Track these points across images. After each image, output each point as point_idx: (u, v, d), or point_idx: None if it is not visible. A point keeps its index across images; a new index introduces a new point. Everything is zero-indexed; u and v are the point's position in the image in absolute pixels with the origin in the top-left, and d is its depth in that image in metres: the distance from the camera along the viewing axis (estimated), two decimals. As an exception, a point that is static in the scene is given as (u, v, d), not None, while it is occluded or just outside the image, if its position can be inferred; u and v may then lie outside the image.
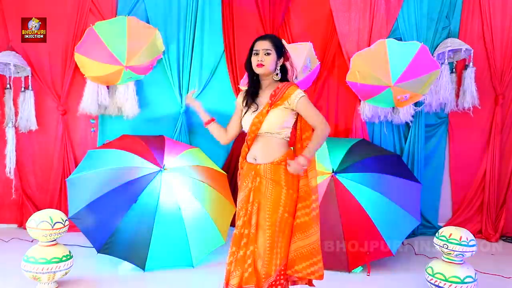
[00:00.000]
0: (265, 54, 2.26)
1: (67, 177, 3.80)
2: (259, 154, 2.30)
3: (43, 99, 4.45)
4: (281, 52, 2.32)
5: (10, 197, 4.43)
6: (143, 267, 3.32)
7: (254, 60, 2.28)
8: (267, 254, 2.22)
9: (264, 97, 2.33)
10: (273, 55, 2.28)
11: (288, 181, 2.28)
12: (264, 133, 2.28)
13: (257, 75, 2.34)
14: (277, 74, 2.32)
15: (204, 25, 4.42)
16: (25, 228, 3.57)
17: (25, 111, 4.29)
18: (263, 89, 2.36)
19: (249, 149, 2.35)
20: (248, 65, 2.34)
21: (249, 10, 4.42)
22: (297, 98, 2.24)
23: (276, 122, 2.27)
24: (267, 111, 2.26)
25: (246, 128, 2.35)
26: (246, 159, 2.37)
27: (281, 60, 2.34)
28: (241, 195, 2.37)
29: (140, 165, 3.47)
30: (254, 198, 2.27)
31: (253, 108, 2.32)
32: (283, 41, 2.46)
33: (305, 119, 2.31)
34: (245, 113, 2.36)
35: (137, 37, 4.01)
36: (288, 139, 2.36)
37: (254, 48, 2.30)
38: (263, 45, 2.28)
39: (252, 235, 2.23)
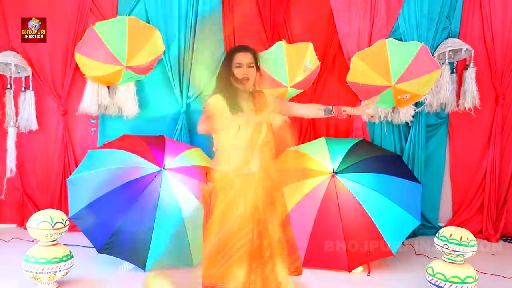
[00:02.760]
0: (248, 67, 2.22)
1: (68, 177, 3.81)
2: (253, 162, 2.24)
3: (44, 99, 4.45)
4: (258, 65, 2.29)
5: (11, 196, 4.42)
6: (143, 267, 3.32)
7: (239, 73, 2.22)
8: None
9: (246, 107, 2.25)
10: (255, 68, 2.26)
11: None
12: None
13: (234, 85, 2.24)
14: (253, 85, 2.29)
15: (204, 25, 4.41)
16: (25, 228, 3.58)
17: (26, 111, 4.29)
18: (239, 99, 2.26)
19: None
20: (225, 74, 2.24)
21: (249, 10, 4.42)
22: (271, 97, 2.33)
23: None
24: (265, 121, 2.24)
25: (239, 141, 2.20)
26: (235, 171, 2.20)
27: (258, 72, 2.30)
28: (239, 210, 2.19)
29: (141, 165, 3.47)
30: (263, 207, 2.22)
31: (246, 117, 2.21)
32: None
33: (284, 111, 2.39)
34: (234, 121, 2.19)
35: (138, 37, 4.01)
36: None
37: (237, 61, 2.22)
38: (247, 59, 2.23)
39: (276, 244, 2.21)
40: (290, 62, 3.94)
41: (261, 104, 2.29)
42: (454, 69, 4.48)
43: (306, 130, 4.55)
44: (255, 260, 2.17)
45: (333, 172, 3.54)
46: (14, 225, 4.55)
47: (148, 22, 4.29)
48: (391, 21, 4.38)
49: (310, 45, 4.13)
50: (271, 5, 4.40)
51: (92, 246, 3.38)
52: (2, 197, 4.38)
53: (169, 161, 3.57)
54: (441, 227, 3.39)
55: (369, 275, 3.39)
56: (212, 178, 2.25)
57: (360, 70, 4.08)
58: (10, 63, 4.13)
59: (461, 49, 4.27)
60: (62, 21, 4.34)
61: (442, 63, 4.33)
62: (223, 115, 2.19)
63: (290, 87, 3.98)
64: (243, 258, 2.17)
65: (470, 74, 4.35)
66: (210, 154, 3.97)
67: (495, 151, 4.48)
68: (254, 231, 2.19)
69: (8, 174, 4.31)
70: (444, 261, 2.88)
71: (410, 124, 4.43)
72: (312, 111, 2.40)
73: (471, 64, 4.36)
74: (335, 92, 4.57)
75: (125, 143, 3.77)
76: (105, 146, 3.91)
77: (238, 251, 2.17)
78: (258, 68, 2.29)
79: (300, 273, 2.40)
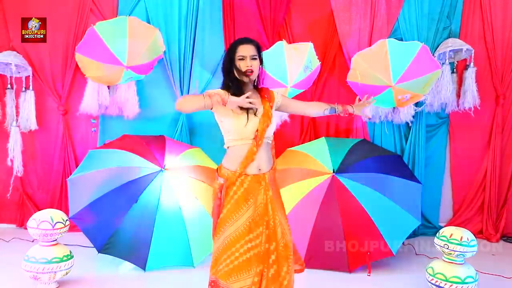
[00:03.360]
0: (251, 59, 2.20)
1: (68, 177, 3.81)
2: (264, 162, 2.22)
3: (44, 99, 4.45)
4: (261, 56, 2.28)
5: (11, 196, 4.42)
6: (143, 267, 3.33)
7: (243, 65, 2.19)
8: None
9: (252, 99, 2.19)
10: (258, 59, 2.24)
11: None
12: (265, 137, 2.21)
13: (238, 78, 2.22)
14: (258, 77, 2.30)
15: (205, 25, 4.42)
16: (25, 228, 3.59)
17: (26, 111, 4.29)
18: (245, 91, 2.22)
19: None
20: (229, 67, 2.23)
21: (249, 10, 4.42)
22: (278, 95, 2.35)
23: (274, 125, 2.30)
24: (271, 114, 2.23)
25: (248, 133, 2.18)
26: (246, 171, 2.18)
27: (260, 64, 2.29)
28: (249, 211, 2.17)
29: (141, 165, 3.48)
30: (273, 209, 2.19)
31: (252, 110, 2.19)
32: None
33: (290, 109, 2.44)
34: (240, 116, 2.18)
35: (138, 37, 4.01)
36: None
37: (240, 54, 2.20)
38: (250, 51, 2.21)
39: (282, 248, 2.19)
40: (290, 62, 3.94)
41: (268, 97, 2.29)
42: (455, 69, 4.48)
43: (306, 130, 4.55)
44: (261, 263, 2.15)
45: (333, 172, 3.54)
46: (14, 225, 4.54)
47: (148, 22, 4.30)
48: (391, 21, 4.38)
49: (310, 45, 4.12)
50: (271, 5, 4.40)
51: (92, 246, 3.38)
52: (8, 195, 4.38)
53: (169, 161, 3.57)
54: (441, 227, 3.39)
55: (369, 275, 3.39)
56: (221, 174, 2.25)
57: (360, 70, 4.08)
58: (11, 63, 4.13)
59: (462, 49, 4.27)
60: (62, 21, 4.34)
61: (443, 63, 4.33)
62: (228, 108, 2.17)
63: (290, 87, 3.98)
64: (251, 261, 2.15)
65: (470, 74, 4.35)
66: (210, 154, 4.00)
67: (495, 151, 4.48)
68: (263, 234, 2.17)
69: (14, 173, 4.31)
70: (444, 261, 2.88)
71: (410, 124, 4.43)
72: (318, 110, 2.44)
73: (472, 64, 4.36)
74: (335, 92, 4.57)
75: (126, 143, 3.77)
76: (106, 146, 3.91)
77: (246, 254, 2.15)
78: (261, 61, 2.28)
79: (302, 270, 2.43)
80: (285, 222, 2.30)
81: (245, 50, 2.21)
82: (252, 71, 2.21)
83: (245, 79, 2.21)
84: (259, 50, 2.26)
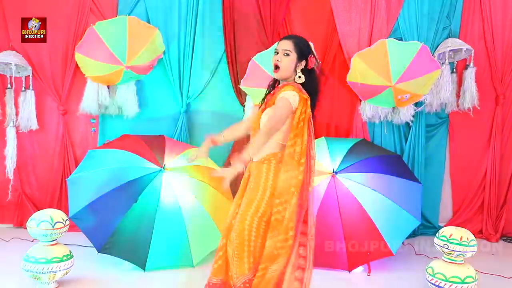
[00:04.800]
0: (284, 55, 2.14)
1: (68, 176, 3.81)
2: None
3: (44, 99, 4.45)
4: (303, 55, 2.18)
5: (11, 196, 4.42)
6: (143, 267, 3.32)
7: (273, 59, 2.16)
8: None
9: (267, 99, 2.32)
10: (293, 56, 2.15)
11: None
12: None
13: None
14: (299, 77, 2.18)
15: (205, 25, 4.42)
16: (25, 228, 3.59)
17: (26, 110, 4.28)
18: (276, 87, 2.31)
19: None
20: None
21: (249, 10, 4.42)
22: (279, 95, 2.13)
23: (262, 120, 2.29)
24: (262, 111, 2.24)
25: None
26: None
27: (302, 63, 2.18)
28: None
29: (141, 165, 3.47)
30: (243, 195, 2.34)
31: (262, 106, 2.29)
32: (311, 47, 2.27)
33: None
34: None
35: (138, 37, 4.01)
36: (281, 142, 2.18)
37: (276, 48, 2.18)
38: (284, 45, 2.15)
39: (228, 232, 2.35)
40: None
41: (275, 93, 2.22)
42: (454, 69, 4.48)
43: (306, 130, 4.54)
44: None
45: (333, 172, 3.54)
46: (13, 225, 4.54)
47: (148, 22, 4.29)
48: (391, 21, 4.38)
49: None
50: (271, 5, 4.39)
51: (92, 245, 3.38)
52: (8, 199, 4.36)
53: (169, 161, 3.57)
54: (441, 227, 3.39)
55: (369, 275, 3.39)
56: None
57: (360, 70, 4.08)
58: (11, 63, 4.13)
59: (461, 49, 4.27)
60: (62, 21, 4.33)
61: (442, 63, 4.32)
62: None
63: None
64: (219, 251, 2.33)
65: (470, 74, 4.35)
66: (210, 153, 3.96)
67: (495, 151, 4.48)
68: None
69: (10, 176, 4.30)
70: (444, 261, 2.88)
71: (410, 124, 4.43)
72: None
73: (471, 64, 4.36)
74: (335, 92, 4.56)
75: (125, 143, 3.77)
76: (105, 146, 3.91)
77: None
78: (301, 57, 2.16)
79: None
80: (240, 211, 2.24)
81: (280, 45, 2.17)
82: (277, 67, 2.14)
83: (274, 76, 2.18)
84: (299, 46, 2.15)
